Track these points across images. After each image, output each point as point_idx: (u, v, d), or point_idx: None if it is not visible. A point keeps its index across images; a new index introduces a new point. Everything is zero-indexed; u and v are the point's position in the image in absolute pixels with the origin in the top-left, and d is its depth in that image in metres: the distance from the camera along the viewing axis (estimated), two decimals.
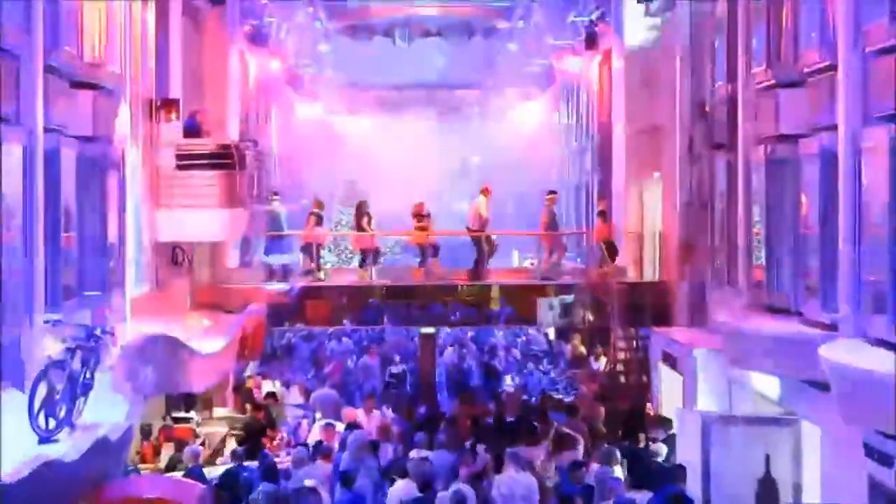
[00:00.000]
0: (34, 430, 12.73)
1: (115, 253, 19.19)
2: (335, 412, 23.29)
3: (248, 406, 24.47)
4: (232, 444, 21.58)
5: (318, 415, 23.57)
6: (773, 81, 18.40)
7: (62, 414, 13.16)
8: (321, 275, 28.91)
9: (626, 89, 29.80)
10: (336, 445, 19.46)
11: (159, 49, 23.01)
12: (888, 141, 14.22)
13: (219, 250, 27.12)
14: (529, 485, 16.96)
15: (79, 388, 13.54)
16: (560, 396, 27.62)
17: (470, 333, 36.84)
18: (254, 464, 18.28)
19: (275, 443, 22.04)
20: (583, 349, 31.46)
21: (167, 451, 20.89)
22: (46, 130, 15.37)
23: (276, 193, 30.50)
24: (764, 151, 19.08)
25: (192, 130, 23.61)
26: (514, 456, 17.37)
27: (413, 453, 18.46)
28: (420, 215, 29.33)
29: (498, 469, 17.75)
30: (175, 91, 23.80)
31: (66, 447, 12.75)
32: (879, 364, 13.08)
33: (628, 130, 29.74)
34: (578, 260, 32.94)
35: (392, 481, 17.35)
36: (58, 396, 13.09)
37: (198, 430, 22.64)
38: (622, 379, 26.89)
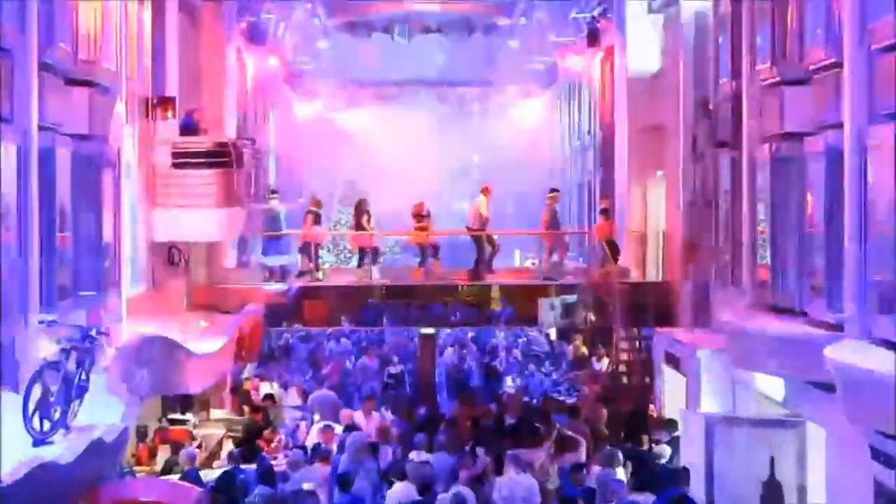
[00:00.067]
0: (29, 431, 12.73)
1: (110, 253, 19.19)
2: (333, 414, 23.28)
3: (245, 408, 24.49)
4: (229, 447, 21.58)
5: (316, 417, 23.57)
6: (778, 79, 18.39)
7: (57, 416, 13.16)
8: (319, 275, 28.90)
9: (628, 87, 29.78)
10: (335, 447, 19.46)
11: (155, 46, 23.00)
12: (894, 139, 14.22)
13: (216, 250, 27.10)
14: (530, 487, 16.97)
15: (74, 390, 13.53)
16: (562, 398, 27.62)
17: (470, 334, 36.84)
18: (251, 466, 18.28)
19: (272, 445, 22.03)
20: (585, 350, 31.47)
21: (163, 453, 20.89)
22: (41, 129, 15.37)
23: (274, 192, 30.49)
24: (769, 149, 19.07)
25: (189, 128, 23.61)
26: (514, 458, 17.37)
27: (413, 455, 18.47)
28: (420, 215, 29.33)
29: (498, 471, 17.76)
30: (171, 89, 23.79)
31: (61, 449, 12.75)
32: (885, 365, 13.08)
33: (630, 128, 29.72)
34: (581, 259, 32.94)
35: (391, 484, 17.36)
36: (52, 398, 13.09)
37: (194, 432, 22.64)
38: (625, 380, 26.89)
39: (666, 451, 19.68)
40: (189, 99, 25.06)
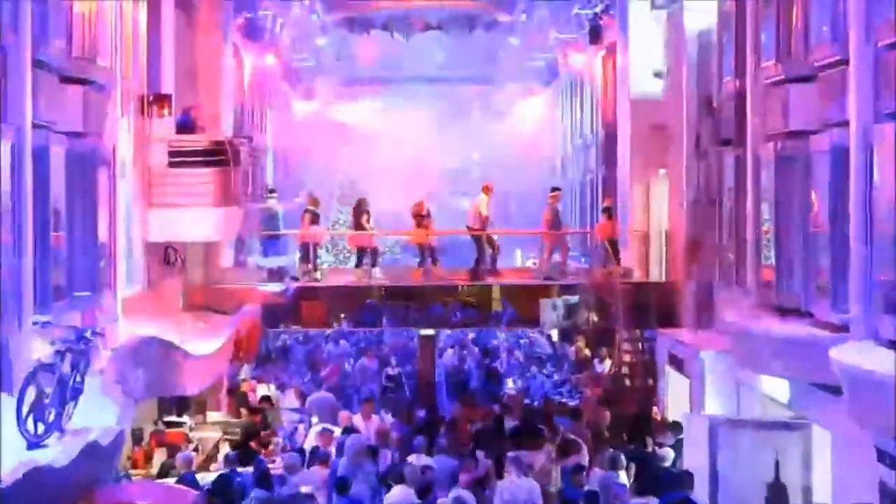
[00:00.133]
0: (23, 434, 12.73)
1: (105, 253, 19.19)
2: (332, 416, 23.27)
3: (242, 410, 24.48)
4: (226, 450, 21.57)
5: (314, 419, 23.56)
6: (782, 76, 18.39)
7: (51, 418, 13.16)
8: (317, 275, 28.88)
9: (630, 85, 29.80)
10: (333, 450, 19.45)
11: (151, 42, 23.00)
12: None
13: (212, 250, 27.09)
14: (531, 490, 16.96)
15: (68, 392, 13.53)
16: (564, 400, 27.62)
17: (471, 335, 36.83)
18: (248, 469, 18.28)
19: (270, 448, 22.03)
20: (587, 351, 31.46)
21: (159, 456, 20.89)
22: (35, 127, 15.37)
23: (272, 191, 30.49)
24: (773, 148, 19.07)
25: (185, 126, 23.60)
26: (515, 461, 17.37)
27: (412, 458, 18.46)
28: (420, 215, 29.30)
29: (499, 474, 17.76)
30: (167, 86, 23.79)
31: (56, 452, 12.75)
32: (892, 366, 13.08)
33: (633, 126, 29.72)
34: (583, 259, 32.95)
35: (389, 487, 17.35)
36: (47, 400, 13.10)
37: (191, 434, 22.63)
38: (627, 382, 26.89)
39: (669, 454, 19.67)
40: (185, 96, 25.05)
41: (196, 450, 21.43)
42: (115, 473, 16.52)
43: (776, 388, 18.49)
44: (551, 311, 27.83)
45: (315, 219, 29.76)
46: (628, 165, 29.95)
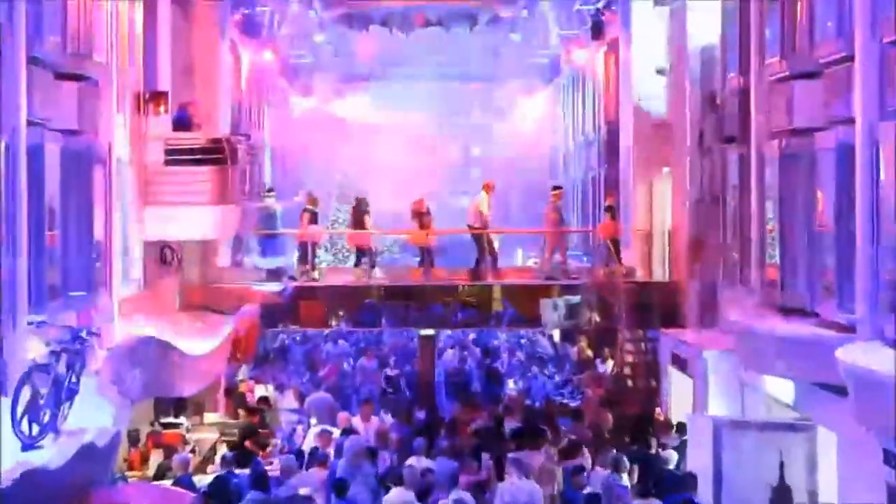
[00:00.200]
0: (17, 436, 12.72)
1: (101, 252, 19.19)
2: (331, 417, 23.26)
3: (240, 411, 24.46)
4: (223, 451, 21.55)
5: (313, 420, 23.55)
6: (787, 72, 18.38)
7: (46, 419, 13.15)
8: (315, 274, 28.87)
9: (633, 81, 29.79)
10: (332, 452, 19.44)
11: (147, 39, 22.99)
12: None
13: (209, 249, 27.09)
14: (532, 492, 16.95)
15: (64, 393, 13.53)
16: (566, 401, 27.60)
17: (471, 335, 36.81)
18: (245, 471, 18.26)
19: (268, 449, 22.01)
20: (589, 352, 31.45)
21: (156, 458, 20.86)
22: (29, 124, 15.36)
23: (270, 190, 30.48)
24: (778, 145, 19.07)
25: (182, 124, 23.59)
26: (516, 462, 17.36)
27: (412, 460, 18.45)
28: (420, 213, 29.25)
29: (499, 476, 17.75)
30: (164, 83, 23.78)
31: (51, 454, 12.74)
32: None
33: (636, 123, 29.72)
34: (584, 259, 32.94)
35: (388, 489, 17.34)
36: (42, 401, 13.09)
37: (187, 436, 22.61)
38: (630, 383, 26.87)
39: (672, 455, 19.66)
40: (182, 93, 25.04)
41: (193, 451, 21.42)
42: (111, 475, 16.50)
43: (781, 388, 18.47)
44: (553, 311, 27.81)
45: (313, 218, 29.76)
46: (631, 163, 29.94)
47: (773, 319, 18.38)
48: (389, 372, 32.01)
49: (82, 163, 18.09)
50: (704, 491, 17.10)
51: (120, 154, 20.69)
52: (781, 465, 17.05)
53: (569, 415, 23.20)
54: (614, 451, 18.92)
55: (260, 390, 26.98)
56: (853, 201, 15.88)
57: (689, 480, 16.87)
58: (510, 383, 32.62)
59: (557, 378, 32.41)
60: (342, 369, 33.20)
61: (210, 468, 20.83)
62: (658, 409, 24.17)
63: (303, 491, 16.90)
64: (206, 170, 22.79)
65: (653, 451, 20.08)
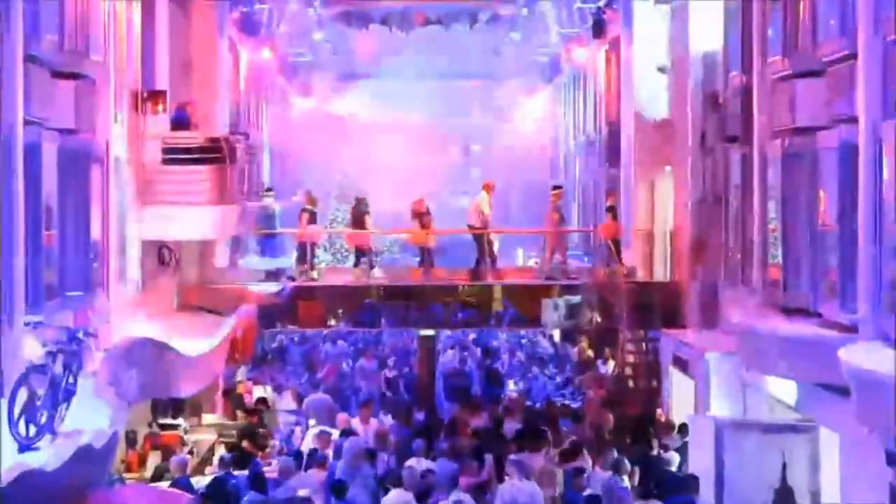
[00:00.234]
0: (14, 437, 12.70)
1: (98, 251, 19.17)
2: (329, 418, 23.26)
3: (238, 412, 24.45)
4: (221, 452, 21.54)
5: (311, 421, 23.54)
6: (790, 71, 18.37)
7: (43, 420, 13.14)
8: (314, 274, 28.85)
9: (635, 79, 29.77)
10: (331, 453, 19.44)
11: (145, 37, 22.97)
12: None
13: (207, 249, 27.08)
14: (533, 493, 16.94)
15: (61, 394, 13.51)
16: (567, 402, 27.59)
17: (471, 336, 36.80)
18: (243, 473, 18.25)
19: (266, 450, 22.00)
20: (590, 352, 31.45)
21: (153, 459, 20.86)
22: (26, 123, 15.34)
23: (269, 189, 30.46)
24: (780, 144, 19.06)
25: (180, 123, 23.58)
26: (517, 464, 17.36)
27: (412, 462, 18.45)
28: (420, 213, 29.23)
29: (499, 477, 17.74)
30: (162, 82, 23.77)
31: (48, 455, 12.73)
32: None
33: (637, 122, 29.71)
34: (585, 259, 32.93)
35: (387, 490, 17.34)
36: (39, 402, 13.08)
37: (185, 437, 22.60)
38: (631, 383, 26.88)
39: (674, 457, 19.65)
40: (180, 92, 25.03)
41: (191, 453, 21.41)
42: (109, 477, 16.49)
43: (783, 389, 18.46)
44: (553, 312, 27.80)
45: (312, 218, 29.74)
46: (632, 163, 29.93)
47: (776, 319, 18.38)
48: (388, 373, 32.00)
49: (79, 162, 18.08)
50: (706, 493, 17.09)
51: (117, 153, 20.68)
52: (784, 467, 17.05)
53: (570, 416, 23.19)
54: (615, 452, 18.92)
55: (258, 391, 26.97)
56: (856, 201, 15.87)
57: (691, 482, 16.86)
58: (510, 384, 32.62)
59: (558, 379, 32.41)
60: (341, 370, 33.19)
61: (208, 469, 20.82)
62: (659, 411, 24.17)
63: (302, 492, 16.90)
64: (205, 169, 22.78)
65: (654, 452, 20.08)
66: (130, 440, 21.09)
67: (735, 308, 21.12)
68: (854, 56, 15.99)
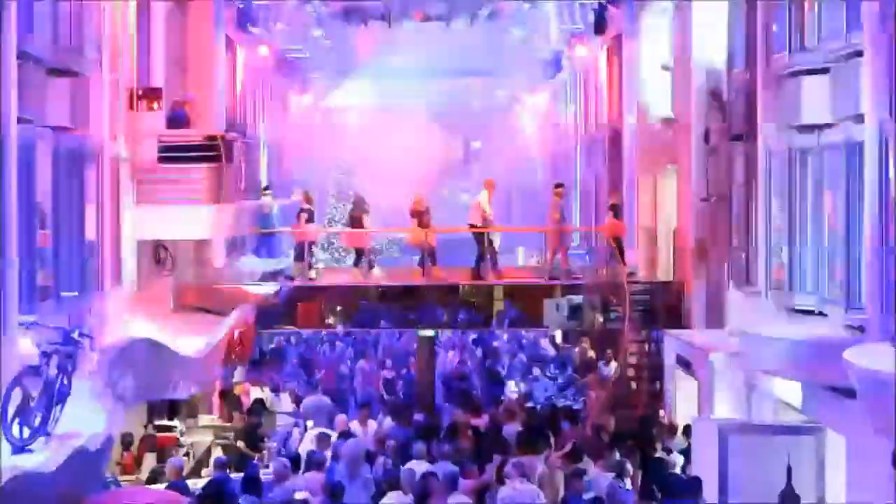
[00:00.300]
0: (7, 439, 12.71)
1: (93, 251, 19.17)
2: (327, 420, 23.25)
3: (235, 414, 24.45)
4: (218, 454, 21.54)
5: (309, 423, 23.54)
6: (795, 68, 18.37)
7: (37, 422, 13.14)
8: (312, 273, 28.85)
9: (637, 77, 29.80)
10: (329, 455, 19.43)
11: (141, 34, 22.99)
12: None
13: (204, 249, 27.09)
14: (533, 496, 16.94)
15: (55, 395, 13.52)
16: (568, 403, 27.58)
17: (472, 336, 36.80)
18: (240, 475, 18.25)
19: (263, 452, 22.01)
20: (592, 353, 31.42)
21: (149, 461, 20.86)
22: (20, 121, 15.34)
23: (267, 188, 30.45)
24: (785, 142, 19.05)
25: (176, 121, 23.57)
26: (517, 466, 17.35)
27: (412, 464, 18.44)
28: (419, 212, 29.22)
29: (500, 480, 17.74)
30: (158, 79, 23.78)
31: (42, 458, 12.74)
32: None
33: (640, 120, 29.72)
34: (587, 258, 32.93)
35: (385, 493, 17.34)
36: (33, 404, 13.09)
37: (182, 439, 22.61)
38: (634, 385, 26.87)
39: (677, 459, 19.65)
40: (176, 90, 25.05)
41: (187, 454, 21.41)
42: (104, 479, 16.50)
43: (788, 391, 18.46)
44: (555, 312, 27.80)
45: (310, 217, 29.74)
46: (635, 161, 29.93)
47: (781, 321, 18.37)
48: (387, 374, 31.98)
49: (74, 160, 18.08)
50: (710, 496, 17.09)
51: (113, 151, 20.68)
52: (789, 469, 17.01)
53: (571, 418, 23.18)
54: (617, 454, 18.91)
55: (256, 392, 26.96)
56: (862, 200, 15.87)
57: (695, 485, 16.85)
58: (511, 385, 32.60)
59: (560, 380, 32.39)
60: (340, 371, 33.18)
61: (205, 471, 20.83)
62: (662, 412, 24.17)
63: (299, 495, 16.89)
64: (201, 168, 22.78)
65: (657, 454, 20.08)
66: (126, 442, 21.10)
67: (739, 309, 21.12)
68: (860, 53, 15.99)
